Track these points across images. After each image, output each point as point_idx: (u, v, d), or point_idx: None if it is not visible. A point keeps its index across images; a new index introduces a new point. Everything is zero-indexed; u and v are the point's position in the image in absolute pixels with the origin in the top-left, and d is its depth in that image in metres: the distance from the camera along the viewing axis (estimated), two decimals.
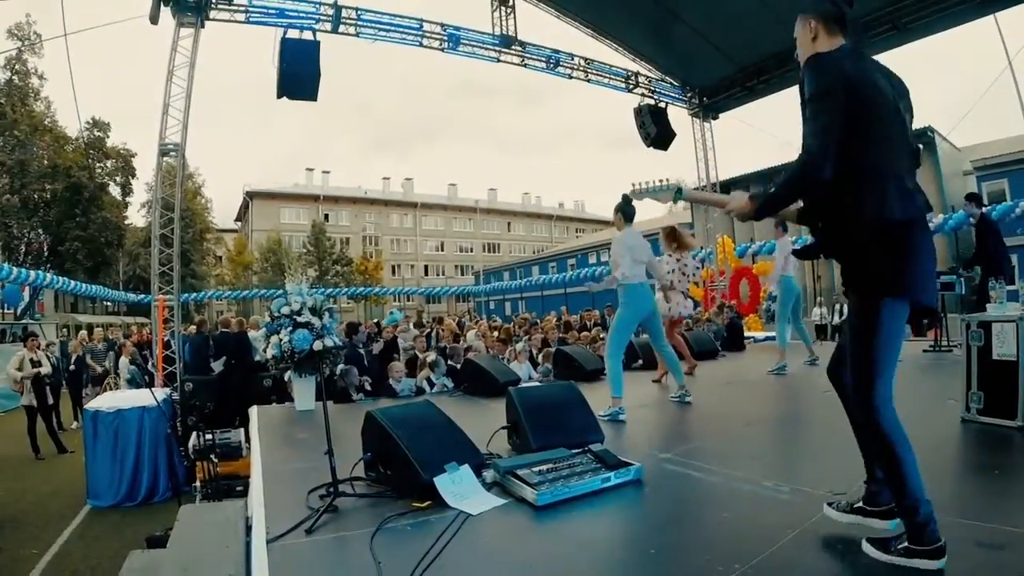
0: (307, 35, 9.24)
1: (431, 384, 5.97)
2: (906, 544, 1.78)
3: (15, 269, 16.77)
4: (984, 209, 7.22)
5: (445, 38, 10.89)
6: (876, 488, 2.00)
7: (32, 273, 18.14)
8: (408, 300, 36.80)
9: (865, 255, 1.80)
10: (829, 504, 2.13)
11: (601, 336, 8.17)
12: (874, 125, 1.78)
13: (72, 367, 10.47)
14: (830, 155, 1.74)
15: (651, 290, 4.68)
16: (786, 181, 1.85)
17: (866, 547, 1.88)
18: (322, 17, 9.68)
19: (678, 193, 2.30)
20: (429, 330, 10.44)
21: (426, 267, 51.52)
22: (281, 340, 5.03)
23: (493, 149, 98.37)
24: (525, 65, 11.94)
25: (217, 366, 7.86)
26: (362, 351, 6.68)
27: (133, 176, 34.84)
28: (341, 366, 5.61)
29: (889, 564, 1.79)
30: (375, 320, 13.68)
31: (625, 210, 4.46)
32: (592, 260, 34.73)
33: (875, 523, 1.98)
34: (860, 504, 2.04)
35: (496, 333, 9.29)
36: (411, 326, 9.98)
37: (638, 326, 4.73)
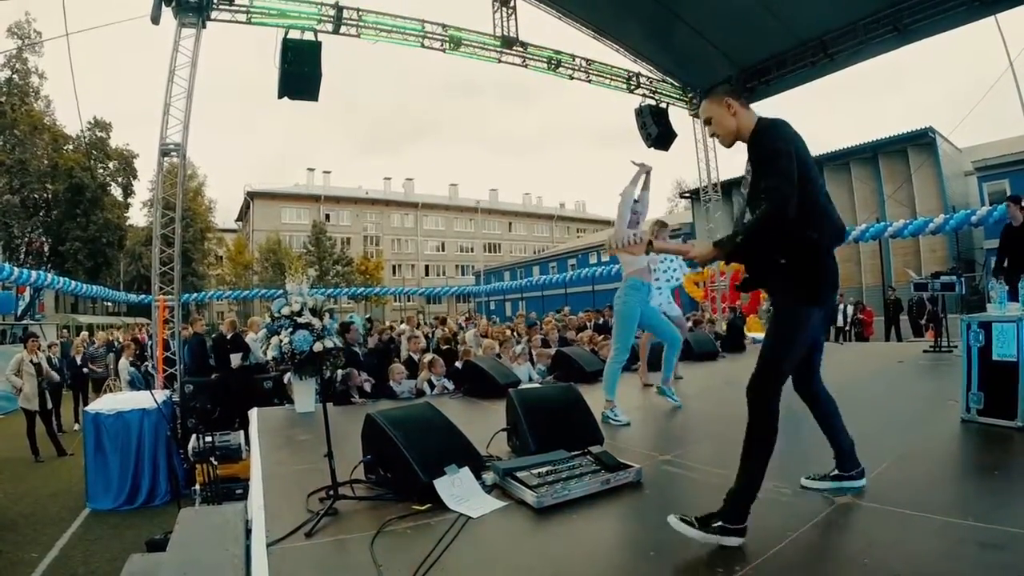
0: (308, 36, 9.26)
1: (431, 386, 5.96)
2: (721, 523, 2.04)
3: (16, 269, 16.76)
4: None
5: (446, 39, 10.90)
6: (843, 458, 2.47)
7: (33, 273, 18.13)
8: (409, 300, 36.79)
9: (800, 273, 2.18)
10: (806, 478, 2.57)
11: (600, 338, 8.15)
12: (809, 171, 2.18)
13: (85, 369, 10.52)
14: (793, 197, 2.07)
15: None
16: (761, 222, 2.11)
17: (677, 524, 2.08)
18: (323, 18, 9.69)
19: (649, 245, 2.69)
20: (434, 328, 10.47)
21: (427, 267, 51.52)
22: (281, 341, 5.02)
23: (494, 149, 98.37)
24: (526, 66, 11.94)
25: (235, 359, 7.72)
26: (357, 349, 6.66)
27: (135, 177, 34.93)
28: (341, 371, 5.60)
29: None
30: (367, 317, 13.70)
31: None
32: (592, 260, 34.71)
33: (851, 484, 2.43)
34: (836, 472, 2.48)
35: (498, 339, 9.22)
36: (413, 329, 9.98)
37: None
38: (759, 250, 2.22)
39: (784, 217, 2.07)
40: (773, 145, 2.14)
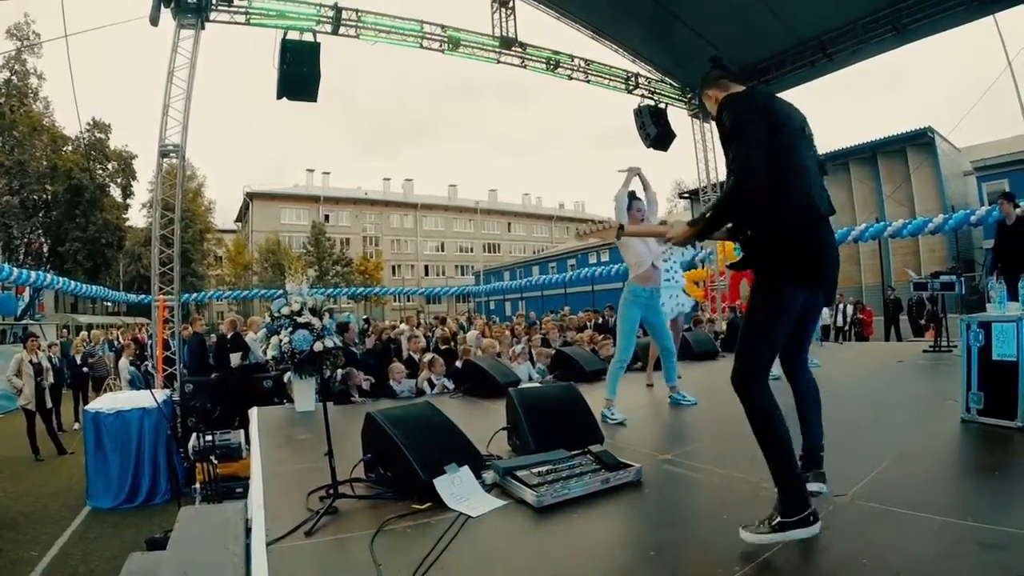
0: (307, 36, 9.26)
1: (432, 385, 5.97)
2: (779, 519, 1.96)
3: (15, 270, 16.77)
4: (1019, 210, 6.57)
5: (445, 39, 10.90)
6: (807, 459, 2.29)
7: (32, 274, 18.16)
8: (408, 300, 36.80)
9: (780, 247, 2.05)
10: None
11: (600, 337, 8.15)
12: (785, 141, 2.08)
13: (85, 368, 10.53)
14: (760, 167, 1.99)
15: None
16: (727, 196, 2.06)
17: (744, 535, 1.99)
18: (322, 19, 9.68)
19: (620, 230, 2.71)
20: (434, 327, 10.46)
21: (426, 267, 51.54)
22: (281, 341, 5.02)
23: (493, 150, 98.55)
24: (525, 66, 11.93)
25: (235, 358, 7.72)
26: (355, 349, 6.66)
27: (134, 178, 34.93)
28: (341, 370, 5.60)
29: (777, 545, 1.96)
30: (364, 317, 13.71)
31: None
32: (592, 260, 34.73)
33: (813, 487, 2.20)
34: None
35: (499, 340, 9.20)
36: (413, 328, 9.98)
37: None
38: (734, 224, 2.15)
39: (750, 189, 2.00)
40: (735, 118, 2.09)
